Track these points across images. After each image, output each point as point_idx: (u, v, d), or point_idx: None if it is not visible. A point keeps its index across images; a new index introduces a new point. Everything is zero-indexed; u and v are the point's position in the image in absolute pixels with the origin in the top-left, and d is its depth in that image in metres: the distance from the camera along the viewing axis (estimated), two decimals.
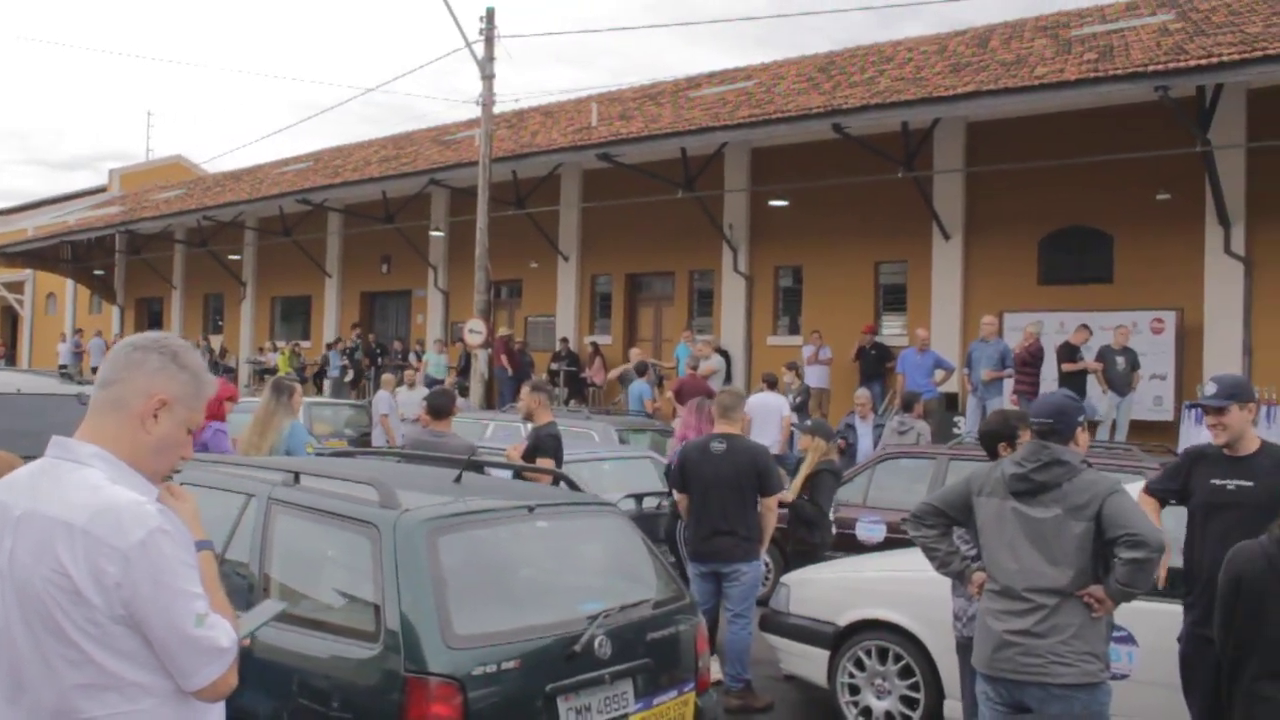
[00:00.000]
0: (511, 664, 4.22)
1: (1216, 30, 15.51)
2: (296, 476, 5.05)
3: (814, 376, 17.97)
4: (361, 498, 4.65)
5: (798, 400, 15.91)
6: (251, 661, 4.38)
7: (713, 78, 24.16)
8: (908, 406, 13.32)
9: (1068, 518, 4.44)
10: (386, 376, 18.11)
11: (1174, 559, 5.26)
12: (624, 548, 5.28)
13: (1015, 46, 18.21)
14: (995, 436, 5.69)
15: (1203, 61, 13.91)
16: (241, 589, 4.65)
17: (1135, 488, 5.93)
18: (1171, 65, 14.12)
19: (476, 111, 20.34)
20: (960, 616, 5.59)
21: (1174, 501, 5.42)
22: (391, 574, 4.25)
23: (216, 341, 30.42)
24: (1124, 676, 5.71)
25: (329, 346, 26.11)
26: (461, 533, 4.60)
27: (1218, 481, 5.15)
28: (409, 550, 4.29)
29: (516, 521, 4.96)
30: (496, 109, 20.87)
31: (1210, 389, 5.28)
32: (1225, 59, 13.76)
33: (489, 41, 19.92)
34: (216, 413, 7.37)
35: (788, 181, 19.57)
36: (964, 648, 5.49)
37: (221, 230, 29.36)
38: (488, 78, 19.92)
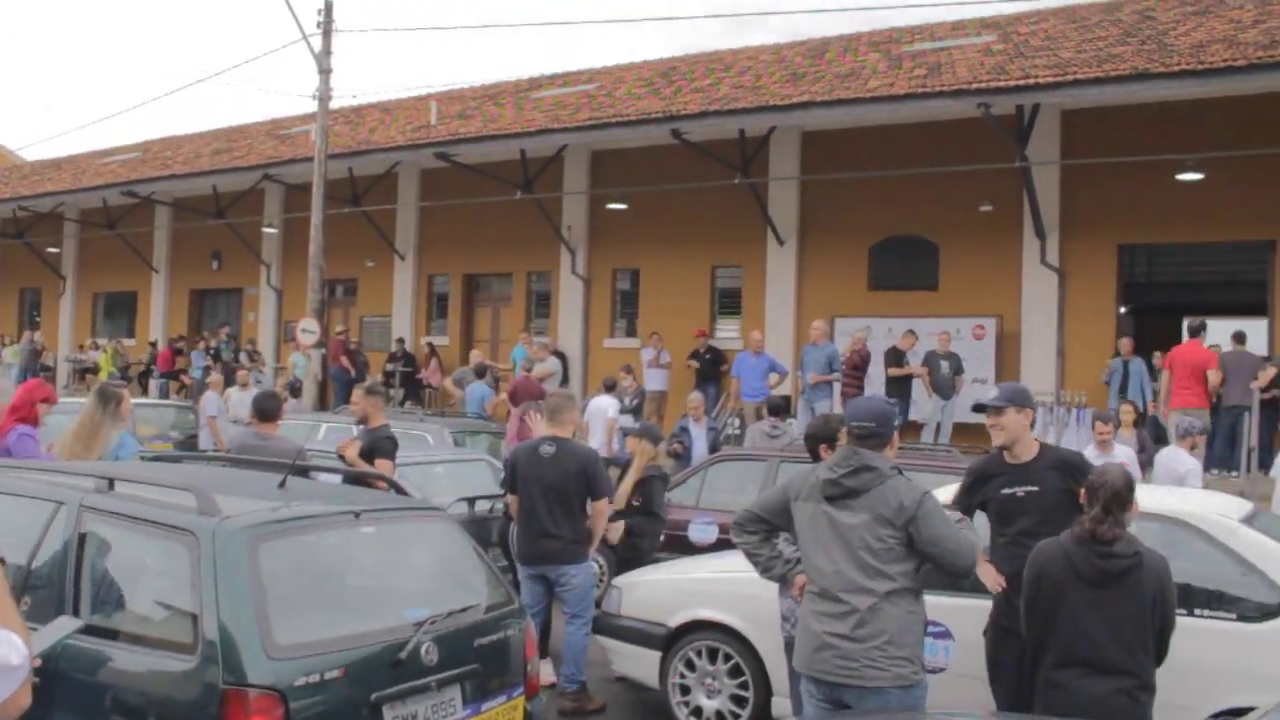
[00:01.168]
0: (335, 673, 4.14)
1: (1034, 53, 16.26)
2: (111, 482, 4.85)
3: (653, 379, 18.14)
4: (179, 504, 4.49)
5: (633, 403, 16.01)
6: (62, 679, 4.22)
7: (554, 79, 24.16)
8: (774, 411, 13.47)
9: (876, 523, 4.57)
10: (214, 377, 17.55)
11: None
12: (452, 553, 5.24)
13: (850, 60, 18.73)
14: (816, 439, 5.82)
15: (1021, 82, 14.62)
16: (50, 602, 4.45)
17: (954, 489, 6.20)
18: (993, 84, 14.78)
19: (313, 106, 19.89)
20: (789, 617, 5.71)
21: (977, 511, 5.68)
22: (210, 583, 4.12)
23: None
24: (941, 670, 5.94)
25: (188, 344, 25.03)
26: (284, 540, 4.49)
27: (1008, 490, 5.42)
28: (228, 558, 4.17)
29: (342, 527, 4.86)
30: (334, 104, 20.46)
31: (992, 392, 5.63)
32: (1041, 81, 14.48)
33: (327, 35, 19.51)
34: (28, 416, 6.99)
35: (627, 185, 19.72)
36: (792, 646, 5.63)
37: (40, 221, 27.98)
38: (325, 72, 19.50)
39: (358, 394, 8.51)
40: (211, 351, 23.26)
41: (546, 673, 7.62)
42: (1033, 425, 5.58)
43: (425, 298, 23.53)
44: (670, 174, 18.48)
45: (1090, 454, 8.52)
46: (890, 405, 5.02)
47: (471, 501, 8.90)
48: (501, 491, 8.08)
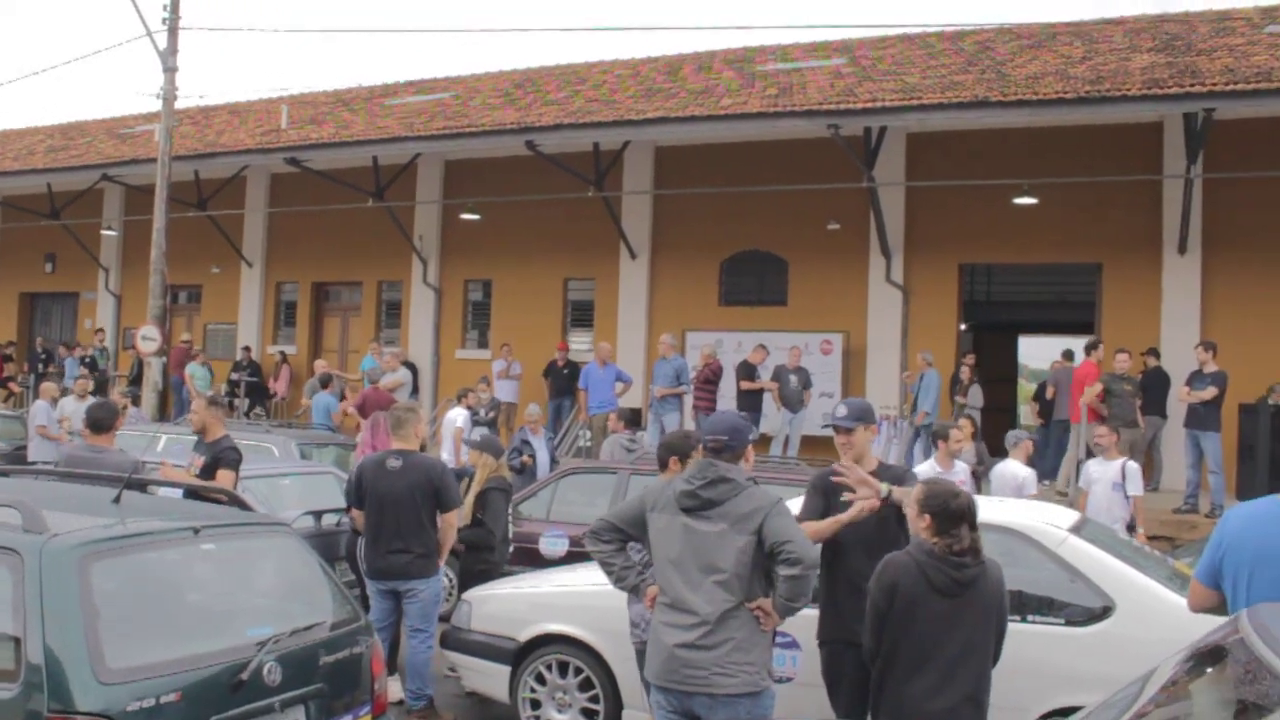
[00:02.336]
0: (171, 697, 4.00)
1: (882, 78, 16.75)
2: None
3: (504, 391, 18.04)
4: (3, 521, 4.28)
5: (489, 415, 15.90)
6: None
7: (409, 86, 23.85)
8: (631, 423, 13.48)
9: (732, 533, 4.65)
10: (47, 385, 16.76)
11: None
12: (297, 569, 5.12)
13: (704, 77, 18.99)
14: (670, 449, 5.82)
15: (869, 105, 15.04)
16: None
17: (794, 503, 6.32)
18: (842, 106, 15.17)
19: (158, 105, 19.22)
20: (638, 623, 5.74)
21: None
22: (35, 605, 3.93)
23: None
24: (789, 679, 6.05)
25: (17, 351, 23.78)
26: (118, 558, 4.32)
27: (848, 501, 5.53)
28: (55, 578, 3.99)
29: (180, 544, 4.70)
30: (180, 104, 19.82)
31: (842, 410, 5.71)
32: (888, 104, 14.94)
33: (173, 33, 18.88)
34: None
35: (480, 195, 19.60)
36: (643, 654, 5.67)
37: None
38: (170, 70, 18.87)
39: (197, 404, 8.23)
40: (87, 360, 22.00)
41: (395, 690, 7.50)
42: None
43: (273, 305, 22.96)
44: (524, 185, 18.45)
45: (928, 468, 8.79)
46: (745, 420, 5.09)
47: (318, 515, 8.72)
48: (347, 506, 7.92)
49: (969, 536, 4.63)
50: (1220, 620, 3.78)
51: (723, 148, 17.73)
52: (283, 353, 21.66)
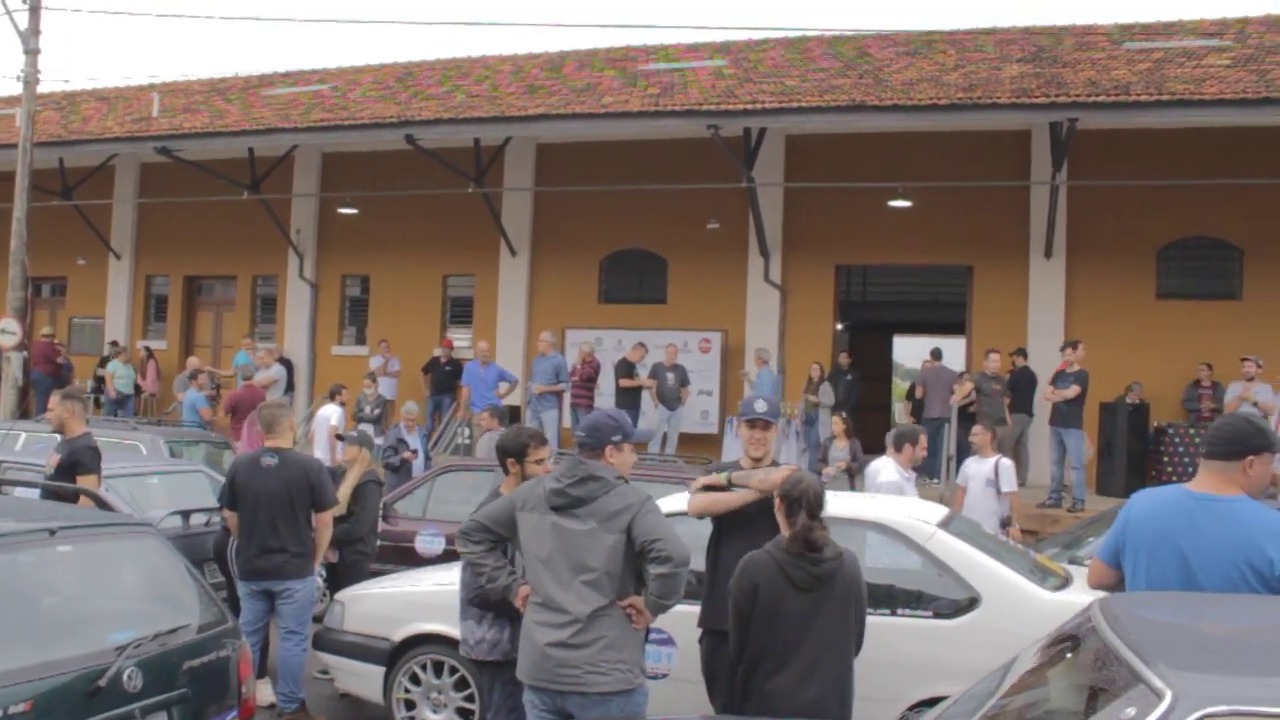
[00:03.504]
0: (20, 707, 3.83)
1: (762, 80, 16.96)
2: None
3: (382, 388, 17.79)
4: None
5: (374, 412, 15.70)
6: None
7: (286, 77, 23.37)
8: (503, 420, 13.34)
9: (601, 531, 4.65)
10: None
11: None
12: (161, 570, 4.97)
13: (586, 75, 18.99)
14: (505, 451, 5.71)
15: (749, 106, 15.21)
16: None
17: (681, 498, 6.37)
18: (723, 107, 15.31)
19: (18, 88, 18.46)
20: (468, 639, 5.70)
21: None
22: None
23: None
24: (664, 676, 6.08)
25: None
26: None
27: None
28: None
29: (35, 546, 4.51)
30: (43, 88, 19.07)
31: (761, 406, 5.82)
32: (767, 106, 15.13)
33: (34, 12, 18.15)
34: None
35: (359, 189, 19.29)
36: (479, 666, 5.68)
37: None
38: (32, 52, 18.13)
39: (54, 400, 7.94)
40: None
41: (266, 693, 7.35)
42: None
43: (143, 299, 22.25)
44: (404, 180, 18.22)
45: (883, 464, 8.79)
46: (612, 418, 5.05)
47: (186, 515, 8.49)
48: (219, 505, 7.73)
49: (807, 524, 4.74)
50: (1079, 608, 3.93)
51: (604, 146, 17.75)
52: (148, 348, 20.97)
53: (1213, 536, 4.02)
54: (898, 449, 8.55)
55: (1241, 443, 4.14)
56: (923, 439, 9.04)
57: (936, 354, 16.14)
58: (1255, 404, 13.46)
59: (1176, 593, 3.96)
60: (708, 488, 5.70)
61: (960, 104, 14.50)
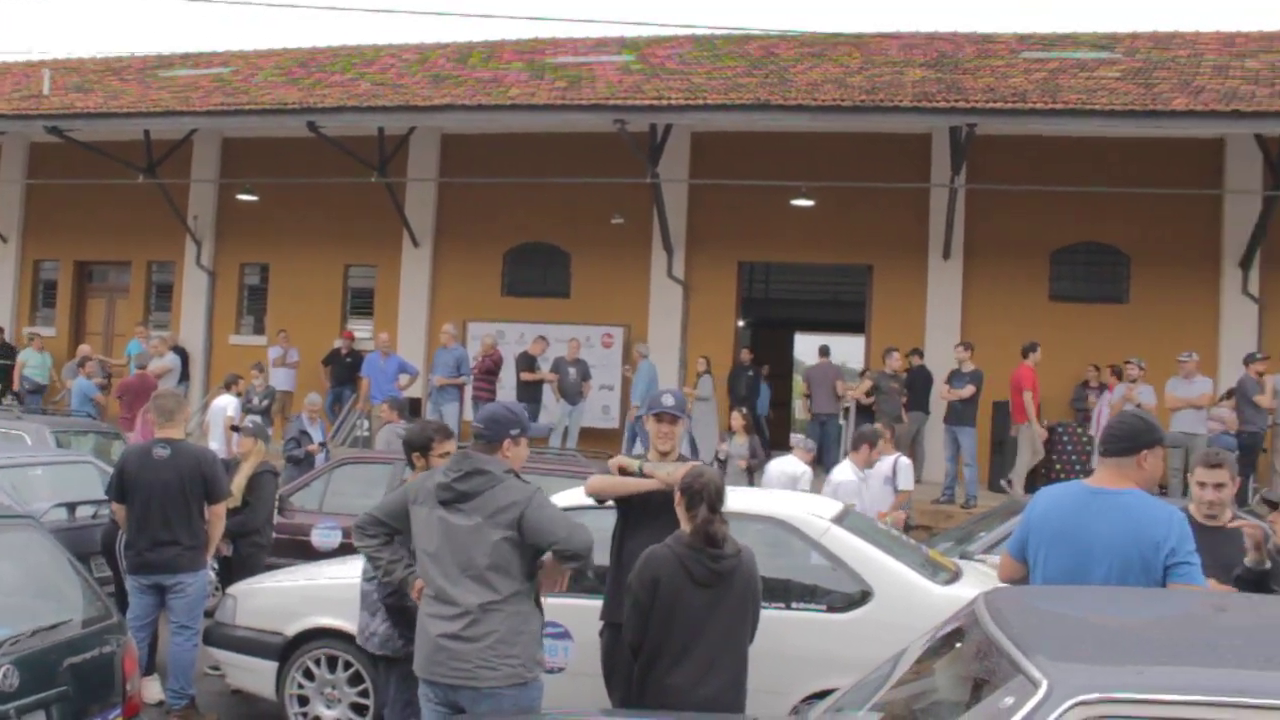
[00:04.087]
0: None
1: (669, 76, 17.03)
2: None
3: (281, 379, 17.52)
4: None
5: (264, 403, 15.42)
6: None
7: (185, 59, 22.80)
8: (403, 412, 13.24)
9: (487, 526, 4.62)
10: None
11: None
12: (43, 565, 4.84)
13: (493, 66, 18.87)
14: (411, 446, 5.73)
15: (655, 102, 15.27)
16: None
17: (579, 492, 6.38)
18: (629, 102, 15.35)
19: None
20: (363, 631, 5.66)
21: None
22: None
23: None
24: (560, 670, 6.08)
25: None
26: None
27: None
28: None
29: None
30: None
31: (670, 400, 5.84)
32: (673, 102, 15.20)
33: None
34: None
35: (259, 176, 18.92)
36: (374, 659, 5.66)
37: None
38: None
39: None
40: None
41: (154, 690, 7.22)
42: None
43: (30, 285, 21.52)
44: (305, 168, 17.91)
45: (848, 469, 8.82)
46: (509, 411, 5.02)
47: (72, 507, 8.26)
48: (107, 497, 7.54)
49: (708, 519, 4.80)
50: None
51: (510, 138, 17.67)
52: (34, 334, 20.31)
53: (1106, 528, 4.21)
54: (855, 449, 8.63)
55: (1135, 439, 4.34)
56: (881, 441, 9.15)
57: (824, 351, 16.58)
58: (1139, 405, 13.89)
59: (1057, 586, 4.10)
60: (622, 470, 5.73)
61: (863, 106, 14.72)
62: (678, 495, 4.93)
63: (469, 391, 15.78)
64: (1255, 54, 17.30)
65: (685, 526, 4.85)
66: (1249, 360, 13.77)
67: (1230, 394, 13.96)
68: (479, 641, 4.57)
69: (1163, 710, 2.74)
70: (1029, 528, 4.53)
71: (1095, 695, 2.68)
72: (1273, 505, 4.49)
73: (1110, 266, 16.78)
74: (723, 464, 12.70)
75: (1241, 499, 13.37)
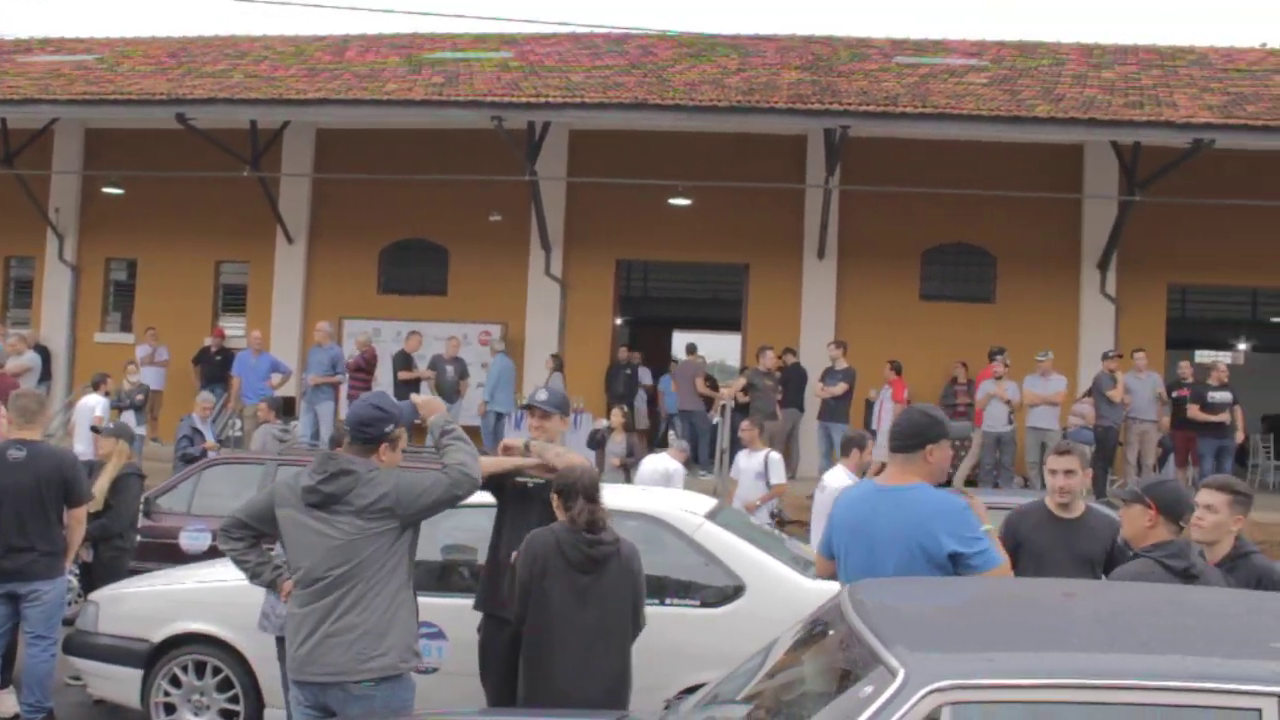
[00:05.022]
0: None
1: (548, 73, 17.02)
2: None
3: (149, 378, 17.00)
4: None
5: (138, 400, 15.00)
6: None
7: (46, 44, 22.00)
8: (279, 413, 12.97)
9: (359, 523, 4.57)
10: None
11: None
12: None
13: (370, 60, 18.62)
14: (335, 442, 5.79)
15: (533, 99, 15.25)
16: None
17: None
18: (507, 99, 15.30)
19: None
20: (269, 614, 5.62)
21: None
22: None
23: None
24: (434, 670, 6.06)
25: None
26: None
27: (521, 479, 5.71)
28: None
29: None
30: None
31: (542, 395, 5.92)
32: (551, 100, 15.21)
33: None
34: None
35: (125, 168, 18.34)
36: (280, 643, 5.56)
37: None
38: None
39: None
40: None
41: (10, 703, 6.97)
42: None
43: None
44: (175, 161, 17.41)
45: (841, 474, 8.74)
46: (379, 409, 4.95)
47: None
48: None
49: (588, 508, 4.89)
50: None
51: (386, 133, 17.45)
52: None
53: (892, 523, 4.38)
54: (845, 454, 8.68)
55: (919, 434, 4.50)
56: (870, 443, 9.22)
57: (691, 349, 16.89)
58: (1007, 401, 14.38)
59: (917, 578, 4.23)
60: (507, 449, 5.77)
61: (740, 107, 14.92)
62: (554, 495, 5.02)
63: (344, 390, 15.55)
64: (1112, 65, 18.05)
65: (559, 514, 4.96)
66: (1105, 358, 14.37)
67: (1089, 390, 14.53)
68: (348, 635, 4.53)
69: (1012, 694, 2.87)
70: (832, 526, 4.70)
71: (948, 682, 2.79)
72: (1125, 500, 4.69)
73: (978, 267, 17.30)
74: (600, 443, 12.77)
75: (1100, 491, 13.95)
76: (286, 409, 15.60)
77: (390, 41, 20.42)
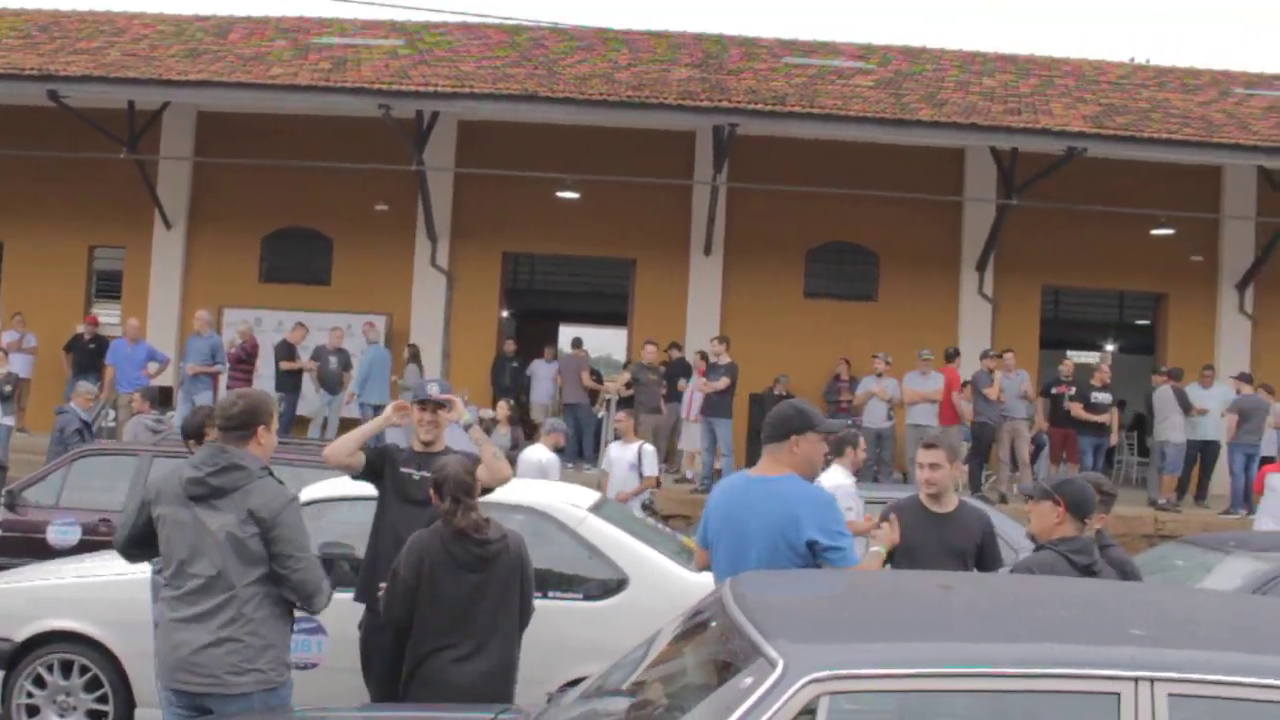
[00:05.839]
0: None
1: (437, 62, 16.84)
2: None
3: (17, 365, 16.36)
4: None
5: (7, 389, 14.43)
6: None
7: None
8: (154, 403, 12.59)
9: (239, 524, 4.42)
10: None
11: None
12: None
13: (255, 43, 18.18)
14: (186, 434, 5.69)
15: (421, 88, 15.07)
16: None
17: (327, 485, 6.26)
18: (395, 87, 15.09)
19: None
20: (159, 622, 5.46)
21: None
22: None
23: None
24: (314, 665, 5.98)
25: None
26: None
27: (405, 470, 5.68)
28: None
29: None
30: None
31: (434, 388, 5.88)
32: (440, 89, 15.05)
33: None
34: None
35: None
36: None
37: None
38: None
39: None
40: None
41: None
42: None
43: None
44: (45, 140, 16.78)
45: (839, 474, 8.63)
46: (251, 396, 4.81)
47: None
48: None
49: (462, 511, 4.87)
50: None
51: (271, 118, 17.06)
52: None
53: (760, 513, 4.47)
54: (839, 454, 8.65)
55: (785, 426, 4.60)
56: (862, 441, 9.22)
57: (576, 343, 16.93)
58: (888, 399, 14.69)
59: (797, 570, 4.31)
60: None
61: (629, 102, 14.97)
62: (431, 489, 4.99)
63: (224, 381, 15.17)
64: (993, 73, 18.57)
65: (439, 509, 4.95)
66: (983, 356, 14.77)
67: (966, 386, 14.91)
68: (226, 645, 4.38)
69: (888, 684, 2.95)
70: (706, 516, 4.79)
71: (827, 672, 2.84)
72: (1034, 497, 4.89)
73: (861, 265, 17.65)
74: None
75: (975, 485, 14.35)
76: (163, 399, 15.15)
77: (276, 24, 19.98)
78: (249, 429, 4.58)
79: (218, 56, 16.97)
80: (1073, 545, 4.60)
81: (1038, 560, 4.61)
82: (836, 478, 8.13)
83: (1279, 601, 5.79)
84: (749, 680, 2.91)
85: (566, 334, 19.14)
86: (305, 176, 16.88)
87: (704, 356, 14.55)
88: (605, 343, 19.27)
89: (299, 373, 15.42)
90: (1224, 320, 17.55)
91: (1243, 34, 63.82)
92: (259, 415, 4.61)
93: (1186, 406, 14.52)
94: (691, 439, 14.69)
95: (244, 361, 15.00)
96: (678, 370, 15.30)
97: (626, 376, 15.02)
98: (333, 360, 15.50)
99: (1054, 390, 15.06)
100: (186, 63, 16.55)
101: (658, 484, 11.27)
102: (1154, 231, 17.05)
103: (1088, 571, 4.51)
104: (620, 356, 17.36)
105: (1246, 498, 13.60)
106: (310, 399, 15.79)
